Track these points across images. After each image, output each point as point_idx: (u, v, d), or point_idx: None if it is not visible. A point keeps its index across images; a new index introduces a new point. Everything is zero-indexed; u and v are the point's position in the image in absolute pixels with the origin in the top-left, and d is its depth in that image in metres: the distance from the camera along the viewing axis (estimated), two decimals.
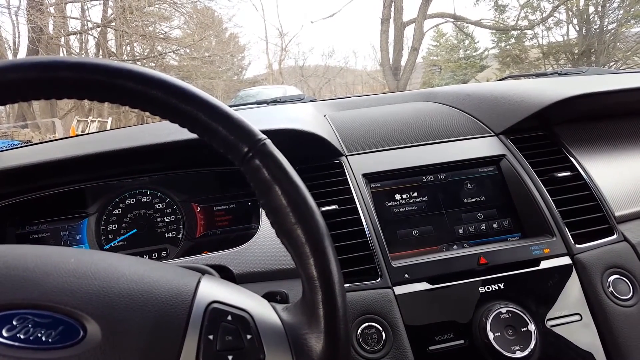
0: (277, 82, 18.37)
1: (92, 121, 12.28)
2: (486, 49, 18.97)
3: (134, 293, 0.38)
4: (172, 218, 0.97)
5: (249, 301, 0.44)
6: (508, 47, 16.46)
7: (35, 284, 0.37)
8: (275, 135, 0.83)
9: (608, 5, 14.45)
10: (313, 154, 0.92)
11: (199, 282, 0.43)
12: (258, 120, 1.01)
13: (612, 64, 14.37)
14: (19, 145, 1.06)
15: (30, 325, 0.35)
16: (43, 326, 0.35)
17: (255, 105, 1.49)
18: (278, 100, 1.49)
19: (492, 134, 1.00)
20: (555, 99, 0.91)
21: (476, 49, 21.51)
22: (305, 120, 0.98)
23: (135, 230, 0.96)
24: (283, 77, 20.64)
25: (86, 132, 11.90)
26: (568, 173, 0.89)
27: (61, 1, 13.65)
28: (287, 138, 0.87)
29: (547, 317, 0.72)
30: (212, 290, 0.42)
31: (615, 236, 0.82)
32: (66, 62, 0.39)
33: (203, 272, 0.47)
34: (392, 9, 12.98)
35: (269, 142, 0.44)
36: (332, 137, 0.96)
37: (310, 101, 1.42)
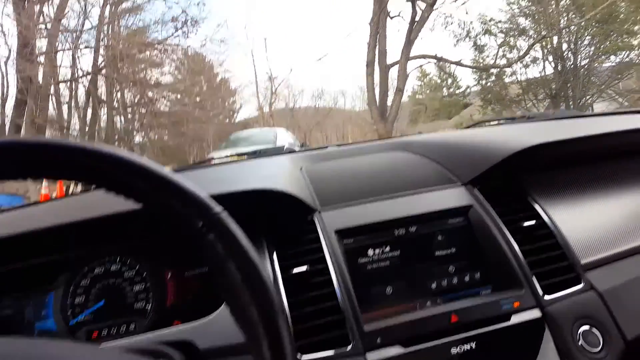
0: (268, 125, 18.53)
1: None
2: (468, 86, 19.44)
3: None
4: (142, 287, 0.91)
5: None
6: (489, 84, 16.91)
7: None
8: (247, 195, 0.85)
9: (580, 42, 15.07)
10: (286, 210, 0.92)
11: None
12: (229, 179, 1.03)
13: (587, 97, 14.87)
14: None
15: None
16: None
17: (236, 158, 1.51)
18: (258, 152, 1.53)
19: (460, 183, 1.01)
20: (516, 149, 0.93)
21: (459, 87, 22.10)
22: (278, 177, 1.00)
23: (102, 302, 0.88)
24: (274, 119, 20.86)
25: (72, 182, 11.74)
26: (534, 222, 0.89)
27: (52, 50, 13.83)
28: (259, 197, 0.87)
29: None
30: None
31: (582, 285, 0.83)
32: (8, 144, 0.38)
33: (159, 356, 0.45)
34: (376, 52, 13.36)
35: (224, 214, 0.43)
36: (305, 192, 0.97)
37: (289, 152, 1.45)
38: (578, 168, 1.06)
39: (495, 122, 1.70)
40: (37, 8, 13.19)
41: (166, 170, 0.43)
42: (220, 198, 0.80)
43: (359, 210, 0.93)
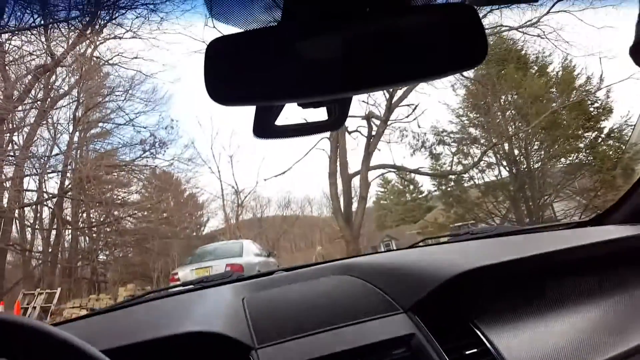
0: (235, 236, 18.43)
1: (40, 293, 11.72)
2: (429, 191, 20.33)
3: None
4: None
5: None
6: (449, 189, 17.73)
7: None
8: (179, 339, 0.85)
9: (530, 147, 16.29)
10: (221, 352, 0.89)
11: None
12: (163, 318, 1.02)
13: (545, 197, 15.67)
14: None
15: None
16: None
17: (181, 288, 1.51)
18: (205, 280, 1.52)
19: (402, 310, 0.96)
20: (450, 276, 0.93)
21: (421, 192, 23.11)
22: (216, 314, 1.01)
23: None
24: (241, 230, 20.87)
25: (32, 305, 10.99)
26: (475, 350, 0.85)
27: (18, 176, 13.85)
28: (191, 340, 0.86)
29: None
30: None
31: None
32: None
33: None
34: (338, 164, 14.14)
35: None
36: (242, 329, 0.95)
37: (236, 280, 1.46)
38: (520, 287, 1.02)
39: (443, 240, 1.74)
40: (6, 137, 13.48)
41: (56, 330, 0.41)
42: (147, 345, 0.83)
43: (299, 345, 0.88)
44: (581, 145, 15.70)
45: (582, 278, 1.06)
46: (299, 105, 0.59)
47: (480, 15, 0.55)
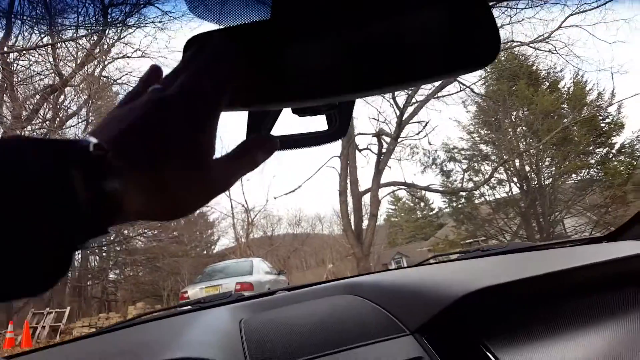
0: (245, 254, 18.50)
1: (49, 313, 11.75)
2: (440, 209, 20.28)
3: None
4: None
5: None
6: (460, 206, 17.65)
7: None
8: None
9: (540, 164, 16.23)
10: None
11: None
12: (155, 342, 1.00)
13: (556, 213, 15.55)
14: None
15: None
16: None
17: (178, 309, 1.50)
18: (202, 301, 1.49)
19: (408, 332, 0.91)
20: (457, 296, 0.89)
21: (432, 209, 23.02)
22: (210, 339, 0.98)
23: None
24: (251, 249, 20.94)
25: (41, 324, 11.09)
26: None
27: None
28: None
29: None
30: None
31: None
32: None
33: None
34: (348, 181, 14.15)
35: None
36: (236, 355, 0.91)
37: (236, 300, 1.42)
38: (532, 307, 0.96)
39: (453, 257, 1.70)
40: None
41: None
42: None
43: None
44: (592, 161, 15.75)
45: (599, 296, 0.99)
46: (294, 112, 0.53)
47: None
